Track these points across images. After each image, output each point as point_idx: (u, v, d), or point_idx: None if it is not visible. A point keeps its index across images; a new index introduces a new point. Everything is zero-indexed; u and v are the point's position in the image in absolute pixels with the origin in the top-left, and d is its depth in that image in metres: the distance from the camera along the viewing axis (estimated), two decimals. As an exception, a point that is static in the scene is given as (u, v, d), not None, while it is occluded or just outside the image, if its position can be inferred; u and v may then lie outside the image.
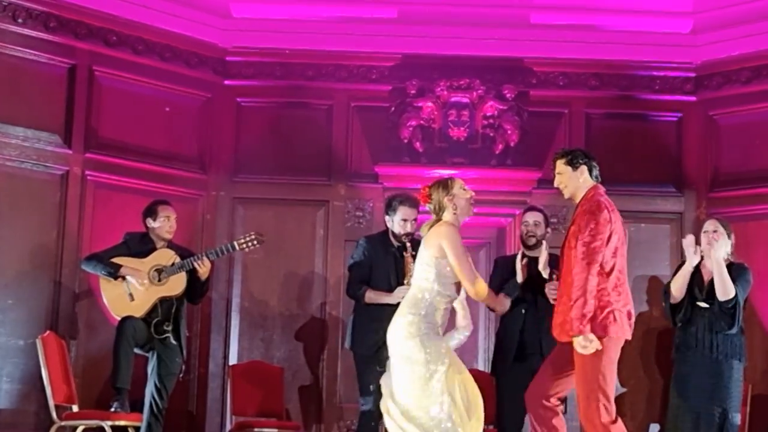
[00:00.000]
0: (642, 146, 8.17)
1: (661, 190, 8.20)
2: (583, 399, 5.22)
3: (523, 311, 6.48)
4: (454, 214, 5.42)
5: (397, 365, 5.25)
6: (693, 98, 8.25)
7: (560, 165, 5.47)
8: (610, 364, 5.25)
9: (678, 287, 6.44)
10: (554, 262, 6.49)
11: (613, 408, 5.22)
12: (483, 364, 8.07)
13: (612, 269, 5.25)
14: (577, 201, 5.43)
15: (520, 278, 6.35)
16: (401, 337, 5.24)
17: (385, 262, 6.59)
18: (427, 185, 5.51)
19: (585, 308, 5.12)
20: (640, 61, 8.26)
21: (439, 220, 5.43)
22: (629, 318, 5.33)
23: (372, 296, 6.50)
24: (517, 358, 6.46)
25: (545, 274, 6.25)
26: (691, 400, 6.37)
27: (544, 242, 6.44)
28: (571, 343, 5.25)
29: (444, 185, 5.44)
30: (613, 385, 5.29)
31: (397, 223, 6.53)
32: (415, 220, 6.54)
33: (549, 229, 6.78)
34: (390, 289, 6.46)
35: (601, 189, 5.43)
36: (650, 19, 8.24)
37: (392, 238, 6.63)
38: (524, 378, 6.37)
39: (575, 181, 5.41)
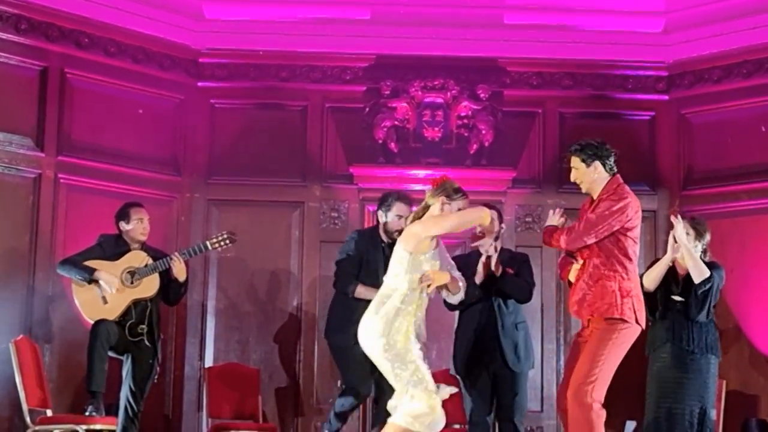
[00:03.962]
0: (615, 145, 8.03)
1: (634, 189, 8.02)
2: (581, 377, 5.24)
3: (479, 311, 6.44)
4: (436, 220, 5.33)
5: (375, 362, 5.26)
6: (665, 97, 8.30)
7: (574, 161, 5.50)
8: (619, 352, 5.29)
9: (652, 279, 6.44)
10: (506, 258, 6.46)
11: (602, 396, 5.25)
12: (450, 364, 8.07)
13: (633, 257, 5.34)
14: (596, 195, 5.45)
15: (480, 278, 6.34)
16: (369, 336, 5.22)
17: (375, 258, 6.55)
18: (445, 178, 5.46)
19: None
20: (613, 60, 8.30)
21: (418, 218, 5.39)
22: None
23: (362, 291, 6.42)
24: (475, 357, 6.43)
25: (497, 272, 6.28)
26: (669, 396, 6.38)
27: (495, 243, 6.40)
28: (580, 336, 5.32)
29: (452, 192, 5.37)
30: (611, 375, 5.30)
31: (392, 219, 6.50)
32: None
33: (503, 225, 6.66)
34: (379, 285, 6.35)
35: (620, 179, 5.46)
36: (623, 19, 8.28)
37: (382, 234, 6.61)
38: (484, 377, 6.38)
39: (591, 176, 5.45)
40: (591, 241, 5.31)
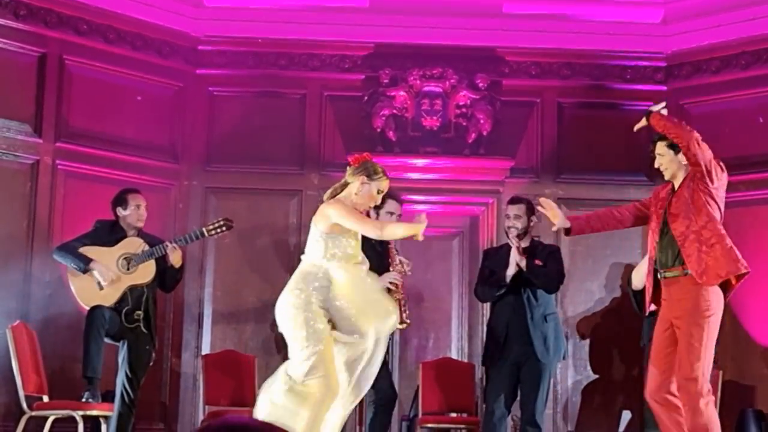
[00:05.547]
0: (613, 135, 8.20)
1: (632, 179, 8.23)
2: (687, 373, 5.24)
3: (509, 303, 6.52)
4: (355, 195, 5.33)
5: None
6: (663, 87, 8.29)
7: (661, 147, 5.51)
8: (716, 333, 5.31)
9: (640, 276, 6.48)
10: (536, 250, 6.55)
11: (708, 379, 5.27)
12: (456, 353, 8.09)
13: None
14: (678, 182, 5.46)
15: (512, 270, 6.40)
16: (283, 307, 5.22)
17: (367, 251, 6.58)
18: (366, 157, 5.42)
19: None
20: (611, 50, 8.30)
21: (333, 196, 5.35)
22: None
23: None
24: (504, 348, 6.50)
25: (523, 265, 6.39)
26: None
27: (516, 238, 6.51)
28: (668, 328, 5.34)
29: (372, 171, 5.32)
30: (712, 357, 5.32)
31: (383, 216, 6.51)
32: (401, 215, 6.55)
33: (534, 218, 6.72)
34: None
35: None
36: (622, 9, 8.28)
37: None
38: (511, 369, 6.47)
39: (676, 164, 5.46)
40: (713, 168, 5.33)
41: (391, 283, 6.26)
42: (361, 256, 5.36)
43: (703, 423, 5.22)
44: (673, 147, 5.45)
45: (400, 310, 6.09)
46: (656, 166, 5.60)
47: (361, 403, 6.08)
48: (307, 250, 5.33)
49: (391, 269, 6.36)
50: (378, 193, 5.35)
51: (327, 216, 5.23)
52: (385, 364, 6.36)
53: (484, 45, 8.25)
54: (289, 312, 5.19)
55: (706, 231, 5.32)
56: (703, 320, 5.27)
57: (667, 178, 5.56)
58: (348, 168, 5.38)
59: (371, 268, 6.20)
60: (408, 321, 6.32)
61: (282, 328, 5.26)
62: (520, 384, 6.50)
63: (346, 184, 5.35)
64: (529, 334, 6.43)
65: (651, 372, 5.48)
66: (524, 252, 6.51)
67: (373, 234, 5.30)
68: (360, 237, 5.36)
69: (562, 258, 6.79)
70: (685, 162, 5.43)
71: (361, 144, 8.15)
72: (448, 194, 8.21)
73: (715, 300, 5.33)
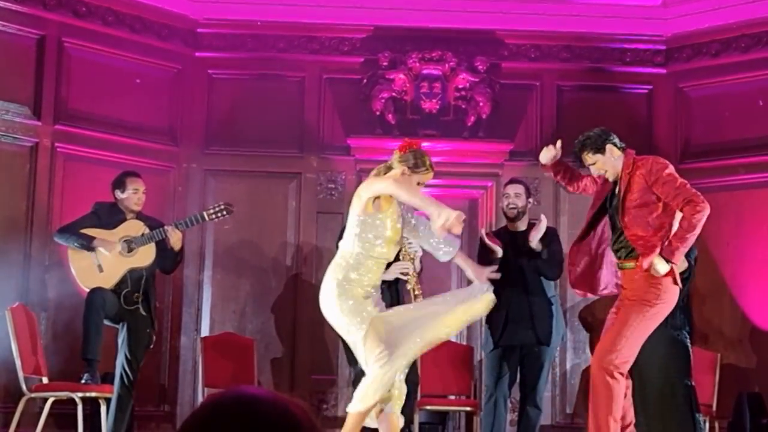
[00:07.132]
0: (613, 118, 8.12)
1: (631, 162, 8.22)
2: (608, 345, 5.26)
3: (511, 286, 6.49)
4: (395, 182, 5.03)
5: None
6: (663, 71, 8.28)
7: (589, 157, 5.42)
8: (652, 325, 5.29)
9: None
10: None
11: (626, 368, 5.28)
12: (455, 336, 8.08)
13: None
14: (614, 176, 5.39)
15: (499, 253, 6.39)
16: (324, 304, 5.10)
17: None
18: (415, 145, 5.19)
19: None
20: (611, 33, 8.28)
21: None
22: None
23: None
24: (507, 332, 6.50)
25: (538, 248, 6.37)
26: (657, 373, 6.39)
27: (542, 216, 6.51)
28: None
29: (417, 164, 5.08)
30: (637, 349, 5.30)
31: None
32: None
33: (531, 200, 6.76)
34: None
35: (633, 152, 5.44)
36: (621, -8, 8.26)
37: None
38: (514, 353, 6.48)
39: (611, 161, 5.38)
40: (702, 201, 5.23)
41: (402, 273, 6.13)
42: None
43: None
44: (597, 150, 5.35)
45: (414, 298, 6.00)
46: (595, 174, 5.49)
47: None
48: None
49: (400, 257, 6.27)
50: (418, 184, 5.16)
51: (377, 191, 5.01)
52: None
53: (484, 28, 8.24)
54: None
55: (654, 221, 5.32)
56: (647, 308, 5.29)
57: (611, 179, 5.44)
58: (394, 153, 5.19)
59: None
60: None
61: None
62: (521, 367, 6.51)
63: (389, 168, 5.16)
64: (530, 318, 6.43)
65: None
66: (521, 235, 6.51)
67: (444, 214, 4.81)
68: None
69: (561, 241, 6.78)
70: (617, 155, 5.35)
71: (360, 127, 8.17)
72: (447, 177, 8.16)
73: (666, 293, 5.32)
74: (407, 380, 6.15)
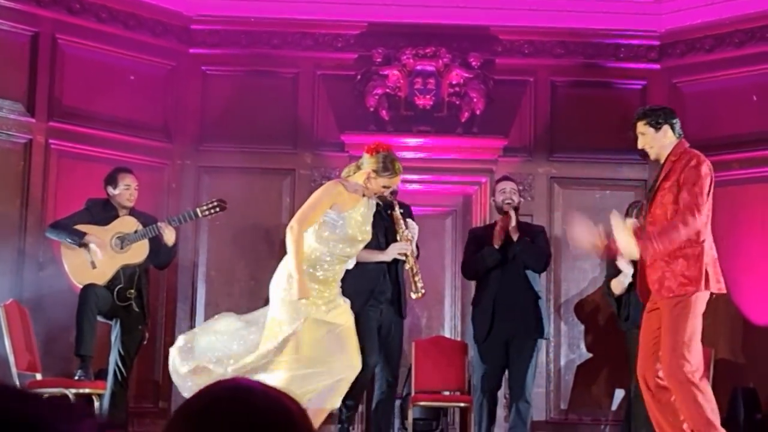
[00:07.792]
0: (607, 114, 8.20)
1: (626, 158, 8.22)
2: (668, 353, 5.16)
3: (497, 279, 6.57)
4: (362, 185, 5.24)
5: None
6: (657, 66, 8.28)
7: (641, 126, 5.36)
8: (695, 319, 5.20)
9: (618, 285, 6.60)
10: (523, 230, 6.66)
11: (696, 363, 5.17)
12: (449, 332, 8.11)
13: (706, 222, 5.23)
14: (663, 160, 5.32)
15: (498, 242, 6.50)
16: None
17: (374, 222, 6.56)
18: (382, 149, 5.29)
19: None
20: (605, 29, 8.28)
21: (347, 176, 5.33)
22: (716, 271, 5.26)
23: (364, 255, 6.32)
24: (493, 326, 6.54)
25: (515, 237, 6.49)
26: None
27: (512, 210, 6.62)
28: (654, 310, 5.24)
29: (383, 168, 5.18)
30: (697, 341, 5.22)
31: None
32: (396, 191, 6.49)
33: (521, 198, 6.91)
34: (379, 248, 6.37)
35: (686, 142, 5.35)
36: (615, -13, 8.26)
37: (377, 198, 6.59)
38: (500, 346, 6.52)
39: (660, 141, 5.31)
40: (701, 220, 5.13)
41: (400, 253, 6.15)
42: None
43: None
44: (653, 124, 5.31)
45: (413, 279, 6.02)
46: (639, 146, 5.47)
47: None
48: None
49: (398, 238, 6.26)
50: (384, 187, 5.24)
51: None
52: (392, 351, 6.39)
53: (478, 24, 8.23)
54: None
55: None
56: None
57: (652, 157, 5.45)
58: (363, 154, 5.28)
59: (377, 239, 6.16)
60: (423, 291, 6.05)
61: None
62: (509, 361, 6.53)
63: (359, 167, 5.26)
64: (517, 311, 6.48)
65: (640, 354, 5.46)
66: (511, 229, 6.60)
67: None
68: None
69: (554, 237, 6.85)
70: (668, 139, 5.31)
71: (354, 123, 8.16)
72: (440, 173, 8.21)
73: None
74: (385, 381, 6.21)
